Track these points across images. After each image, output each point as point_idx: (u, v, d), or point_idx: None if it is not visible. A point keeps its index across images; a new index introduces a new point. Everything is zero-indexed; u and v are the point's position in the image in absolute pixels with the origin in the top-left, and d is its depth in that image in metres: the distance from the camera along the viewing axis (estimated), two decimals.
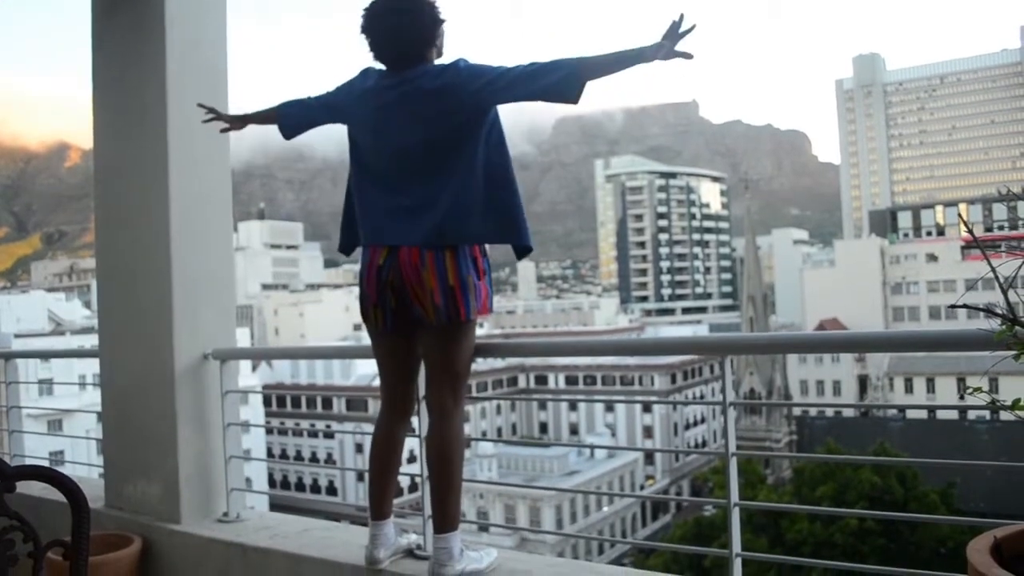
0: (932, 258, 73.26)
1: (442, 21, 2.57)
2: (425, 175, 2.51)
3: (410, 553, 2.81)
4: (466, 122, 2.47)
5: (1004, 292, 1.33)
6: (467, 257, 2.52)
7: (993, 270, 1.39)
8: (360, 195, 2.65)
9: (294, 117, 2.81)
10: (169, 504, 3.49)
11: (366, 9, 2.55)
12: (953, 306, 1.35)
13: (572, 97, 2.32)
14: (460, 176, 2.47)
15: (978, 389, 1.54)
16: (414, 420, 2.86)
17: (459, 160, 2.48)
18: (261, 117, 2.92)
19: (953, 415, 45.85)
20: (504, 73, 2.40)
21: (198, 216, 3.60)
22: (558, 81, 2.32)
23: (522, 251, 2.61)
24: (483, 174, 2.49)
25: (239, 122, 2.98)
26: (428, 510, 2.71)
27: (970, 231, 1.45)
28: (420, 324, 2.58)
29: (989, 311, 1.39)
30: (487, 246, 2.62)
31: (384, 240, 2.56)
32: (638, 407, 63.01)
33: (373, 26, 2.54)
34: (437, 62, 2.59)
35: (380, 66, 2.61)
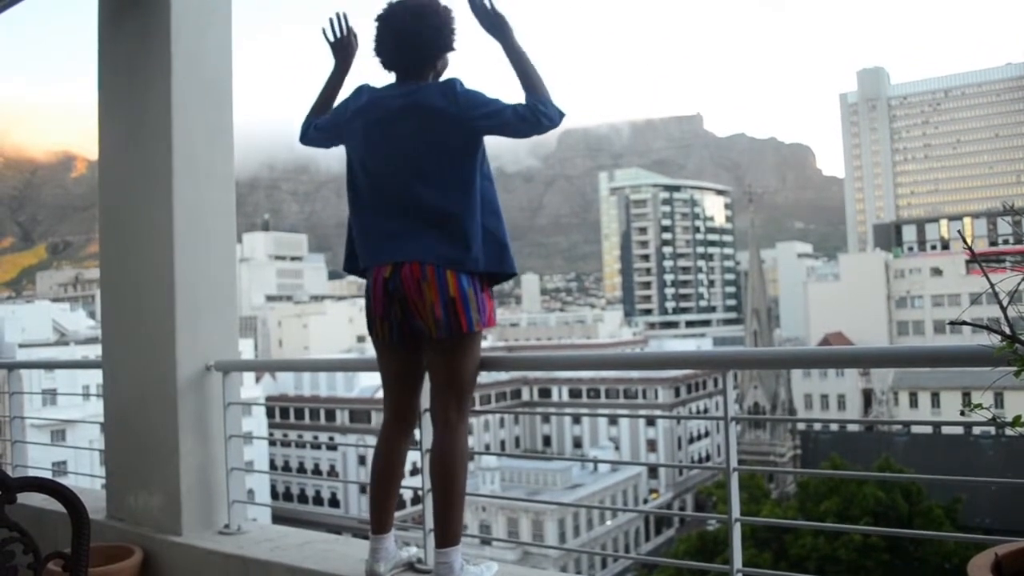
0: (937, 272, 73.10)
1: (451, 46, 2.62)
2: (423, 194, 2.52)
3: (411, 567, 2.80)
4: (462, 146, 2.50)
5: (1003, 308, 1.34)
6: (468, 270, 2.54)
7: (992, 286, 1.39)
8: (358, 219, 2.66)
9: (311, 139, 2.87)
10: (170, 516, 3.49)
11: (388, 5, 2.57)
12: (953, 322, 1.35)
13: (555, 125, 2.50)
14: (460, 202, 2.49)
15: (978, 406, 1.54)
16: (417, 432, 2.86)
17: (457, 185, 2.50)
18: (327, 92, 2.89)
19: (958, 430, 45.61)
20: (501, 111, 2.47)
21: (201, 227, 3.61)
22: (540, 122, 2.47)
23: (506, 278, 2.64)
24: (479, 203, 2.53)
25: (342, 55, 2.87)
26: (430, 524, 2.71)
27: (969, 248, 1.45)
28: (425, 337, 2.58)
29: (988, 328, 1.40)
30: None
31: (386, 257, 2.56)
32: (642, 421, 62.93)
33: (388, 25, 2.56)
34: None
35: (374, 84, 2.66)
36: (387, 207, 2.58)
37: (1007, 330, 1.41)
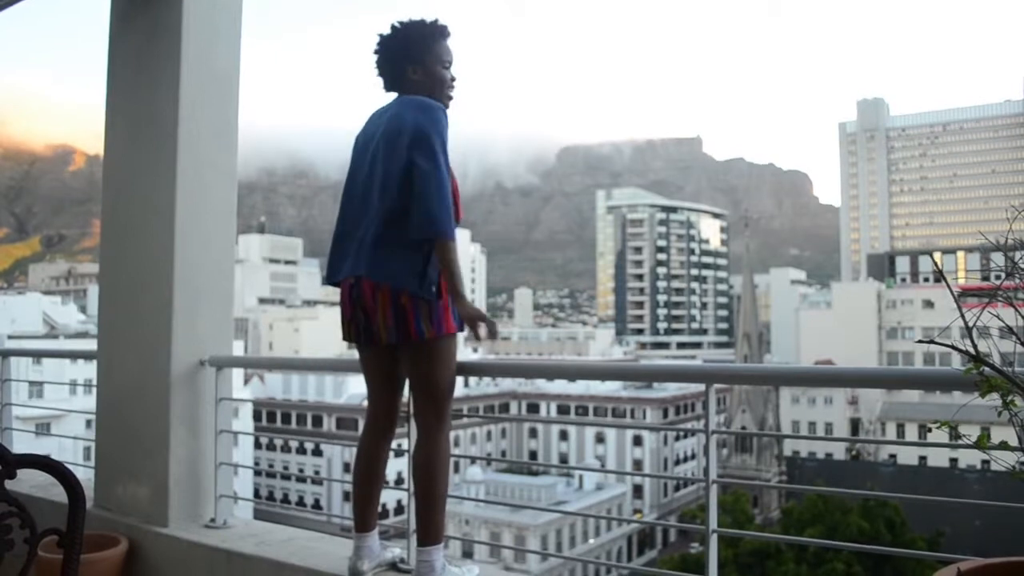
0: (928, 304, 73.51)
1: (430, 34, 2.70)
2: (375, 209, 2.61)
3: (393, 566, 2.85)
4: (401, 170, 2.56)
5: (968, 329, 1.40)
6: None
7: (962, 315, 1.46)
8: (335, 229, 2.78)
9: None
10: (157, 507, 3.52)
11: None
12: (921, 341, 1.42)
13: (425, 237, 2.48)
14: (390, 218, 2.57)
15: (946, 423, 1.61)
16: (404, 440, 2.91)
17: (395, 207, 2.57)
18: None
19: (944, 462, 45.74)
20: (424, 172, 2.49)
21: (202, 224, 3.66)
22: (421, 228, 2.47)
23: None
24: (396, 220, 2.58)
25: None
26: (413, 525, 2.76)
27: (942, 277, 1.52)
28: (379, 342, 2.65)
29: (953, 347, 1.46)
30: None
31: (349, 272, 2.66)
32: (629, 440, 62.89)
33: (377, 43, 2.75)
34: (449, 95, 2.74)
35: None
36: (355, 221, 2.69)
37: (973, 352, 1.47)
